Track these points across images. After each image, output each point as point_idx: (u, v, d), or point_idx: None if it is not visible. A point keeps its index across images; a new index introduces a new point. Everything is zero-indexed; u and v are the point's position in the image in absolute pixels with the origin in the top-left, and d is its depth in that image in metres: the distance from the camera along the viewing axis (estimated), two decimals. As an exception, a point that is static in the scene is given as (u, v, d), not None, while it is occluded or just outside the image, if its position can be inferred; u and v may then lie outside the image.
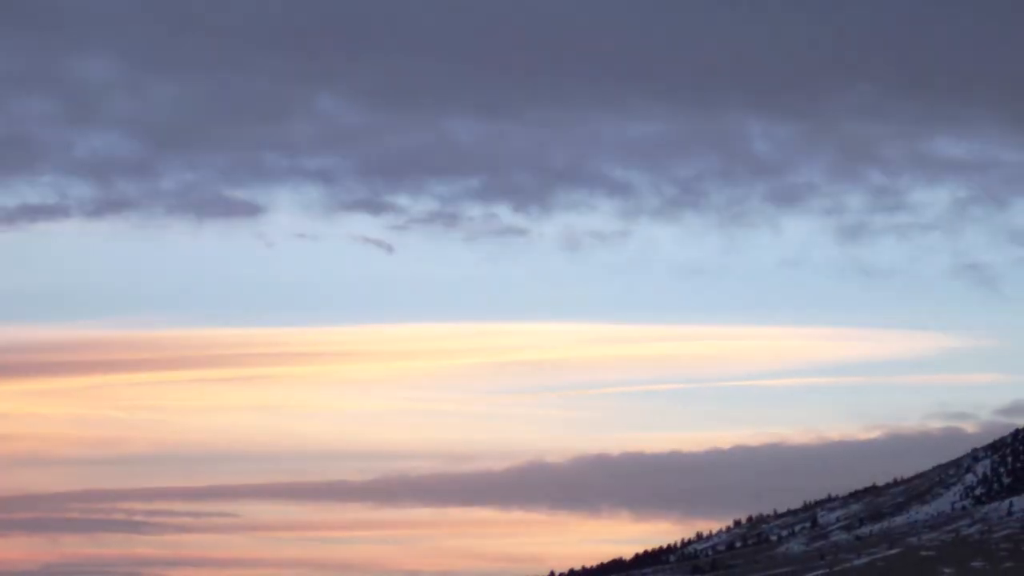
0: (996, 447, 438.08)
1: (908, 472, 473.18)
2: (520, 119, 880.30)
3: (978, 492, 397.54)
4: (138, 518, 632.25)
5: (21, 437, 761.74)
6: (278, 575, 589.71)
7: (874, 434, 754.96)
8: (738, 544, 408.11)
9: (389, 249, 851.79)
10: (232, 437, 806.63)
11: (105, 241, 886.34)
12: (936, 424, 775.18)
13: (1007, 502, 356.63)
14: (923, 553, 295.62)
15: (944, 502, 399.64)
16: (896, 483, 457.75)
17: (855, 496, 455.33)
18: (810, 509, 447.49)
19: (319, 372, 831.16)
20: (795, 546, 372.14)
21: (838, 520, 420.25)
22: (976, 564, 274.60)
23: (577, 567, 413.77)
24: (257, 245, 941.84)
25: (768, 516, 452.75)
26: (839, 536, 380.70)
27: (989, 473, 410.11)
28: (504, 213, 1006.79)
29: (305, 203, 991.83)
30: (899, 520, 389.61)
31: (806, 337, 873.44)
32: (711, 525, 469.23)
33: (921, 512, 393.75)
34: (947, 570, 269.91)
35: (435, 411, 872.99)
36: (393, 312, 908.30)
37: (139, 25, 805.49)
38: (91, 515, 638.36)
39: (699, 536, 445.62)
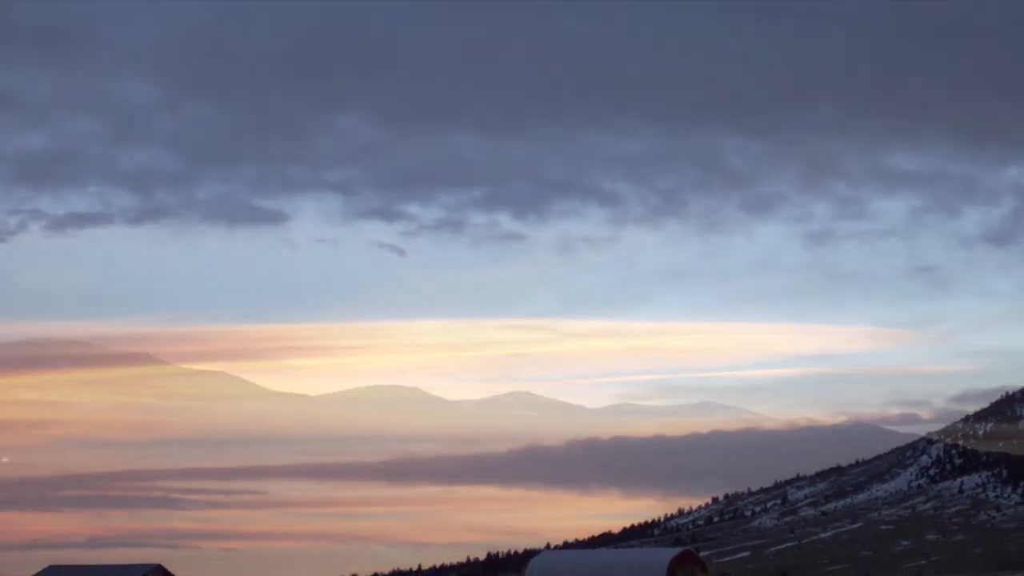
0: (948, 431, 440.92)
1: (869, 454, 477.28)
2: (519, 136, 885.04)
3: (932, 472, 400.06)
4: (175, 495, 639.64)
5: (69, 422, 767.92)
6: (301, 547, 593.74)
7: (838, 420, 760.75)
8: (716, 519, 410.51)
9: (401, 253, 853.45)
10: (260, 422, 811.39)
11: (145, 246, 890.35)
12: (894, 411, 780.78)
13: (958, 481, 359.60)
14: (883, 527, 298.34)
15: (901, 481, 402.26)
16: (858, 464, 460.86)
17: (821, 476, 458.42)
18: (781, 487, 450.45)
19: (338, 364, 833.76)
20: (767, 521, 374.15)
21: (806, 497, 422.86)
22: (930, 537, 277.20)
23: (571, 539, 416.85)
24: (282, 249, 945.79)
25: (743, 494, 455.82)
26: (807, 511, 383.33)
27: (942, 455, 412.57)
28: (505, 220, 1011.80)
29: (326, 212, 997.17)
30: (861, 497, 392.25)
31: (777, 332, 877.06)
32: (692, 502, 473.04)
33: (881, 490, 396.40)
34: (904, 542, 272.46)
35: (442, 399, 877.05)
36: (405, 310, 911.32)
37: (177, 52, 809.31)
38: (132, 492, 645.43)
39: (681, 512, 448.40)
